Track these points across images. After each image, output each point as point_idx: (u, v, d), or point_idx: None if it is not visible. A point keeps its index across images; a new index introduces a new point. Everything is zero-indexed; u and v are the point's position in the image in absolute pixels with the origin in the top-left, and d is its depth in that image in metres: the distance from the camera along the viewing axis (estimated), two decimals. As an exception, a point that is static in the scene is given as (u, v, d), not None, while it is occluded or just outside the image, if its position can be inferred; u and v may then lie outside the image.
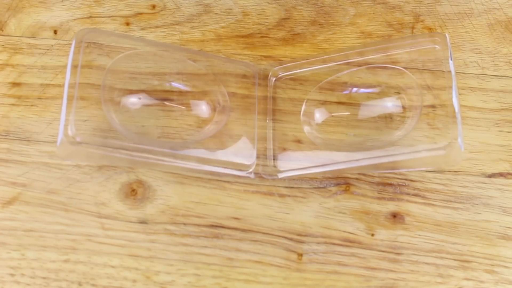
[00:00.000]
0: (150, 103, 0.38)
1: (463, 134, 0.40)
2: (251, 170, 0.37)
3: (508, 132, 0.40)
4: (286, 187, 0.38)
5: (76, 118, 0.38)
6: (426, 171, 0.39)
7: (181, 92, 0.39)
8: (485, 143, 0.40)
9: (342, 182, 0.39)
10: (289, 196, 0.38)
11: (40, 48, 0.41)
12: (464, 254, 0.37)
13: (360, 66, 0.39)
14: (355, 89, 0.39)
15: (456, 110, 0.33)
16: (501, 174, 0.39)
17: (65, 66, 0.38)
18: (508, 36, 0.42)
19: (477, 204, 0.38)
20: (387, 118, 0.38)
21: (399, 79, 0.38)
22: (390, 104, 0.38)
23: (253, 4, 0.43)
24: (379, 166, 0.36)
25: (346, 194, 0.38)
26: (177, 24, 0.42)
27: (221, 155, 0.38)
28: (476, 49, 0.42)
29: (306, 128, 0.39)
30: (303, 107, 0.39)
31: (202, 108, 0.39)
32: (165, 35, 0.42)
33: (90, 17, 0.42)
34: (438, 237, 0.37)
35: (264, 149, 0.38)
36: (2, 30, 0.42)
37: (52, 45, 0.41)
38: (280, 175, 0.38)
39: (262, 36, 0.42)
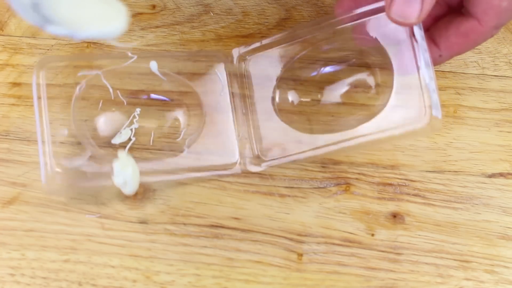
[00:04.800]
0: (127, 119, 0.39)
1: (464, 134, 0.40)
2: (236, 166, 0.38)
3: (508, 132, 0.40)
4: (286, 187, 0.38)
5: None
6: (426, 171, 0.39)
7: (163, 99, 0.39)
8: (485, 143, 0.40)
9: (342, 182, 0.39)
10: (289, 196, 0.38)
11: (40, 48, 0.41)
12: (464, 254, 0.37)
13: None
14: (327, 68, 0.38)
15: (427, 80, 0.31)
16: (501, 174, 0.39)
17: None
18: (508, 36, 0.42)
19: (477, 204, 0.38)
20: (364, 92, 0.37)
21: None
22: (363, 76, 0.37)
23: (253, 4, 0.43)
24: (362, 145, 0.35)
25: (346, 194, 0.38)
26: (177, 24, 0.42)
27: (205, 158, 0.38)
28: (476, 49, 0.42)
29: (282, 113, 0.38)
30: (276, 92, 0.38)
31: (179, 114, 0.39)
32: (165, 35, 0.42)
33: (90, 17, 0.42)
34: (438, 237, 0.37)
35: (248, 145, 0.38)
36: (2, 30, 0.42)
37: (52, 45, 0.41)
38: (264, 164, 0.37)
39: (262, 36, 0.42)
